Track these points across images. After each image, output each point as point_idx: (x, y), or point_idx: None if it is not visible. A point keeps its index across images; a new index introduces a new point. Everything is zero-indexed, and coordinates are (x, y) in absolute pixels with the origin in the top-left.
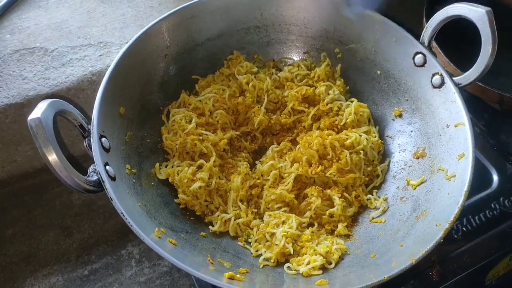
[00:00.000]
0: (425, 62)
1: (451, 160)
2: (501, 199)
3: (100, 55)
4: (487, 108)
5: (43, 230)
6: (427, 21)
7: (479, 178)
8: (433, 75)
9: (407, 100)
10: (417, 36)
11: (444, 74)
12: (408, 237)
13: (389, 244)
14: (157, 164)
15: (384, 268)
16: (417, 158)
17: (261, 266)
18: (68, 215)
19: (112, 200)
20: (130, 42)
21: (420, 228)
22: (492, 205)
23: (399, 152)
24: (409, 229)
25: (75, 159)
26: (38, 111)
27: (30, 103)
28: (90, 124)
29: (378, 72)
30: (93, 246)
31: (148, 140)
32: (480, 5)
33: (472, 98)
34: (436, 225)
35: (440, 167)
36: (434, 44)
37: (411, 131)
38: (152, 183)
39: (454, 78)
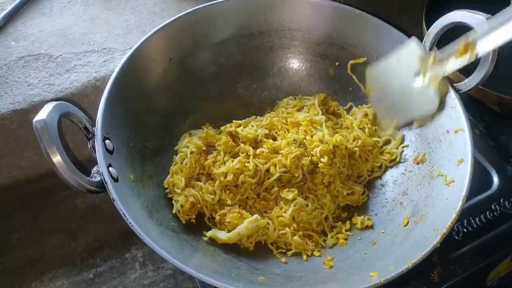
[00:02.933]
0: None
1: (451, 165)
2: (502, 200)
3: (104, 61)
4: (487, 110)
5: (48, 234)
6: (426, 25)
7: (480, 180)
8: None
9: None
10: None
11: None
12: (406, 242)
13: (387, 248)
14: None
15: (382, 271)
16: (417, 163)
17: None
18: (73, 219)
19: (114, 200)
20: (136, 46)
21: (418, 233)
22: (493, 207)
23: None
24: (407, 234)
25: (81, 163)
26: (43, 113)
27: (35, 109)
28: (95, 127)
29: None
30: (98, 249)
31: (152, 143)
32: (480, 12)
33: (472, 100)
34: (434, 230)
35: (439, 172)
36: (435, 50)
37: (412, 137)
38: (155, 185)
39: (455, 84)
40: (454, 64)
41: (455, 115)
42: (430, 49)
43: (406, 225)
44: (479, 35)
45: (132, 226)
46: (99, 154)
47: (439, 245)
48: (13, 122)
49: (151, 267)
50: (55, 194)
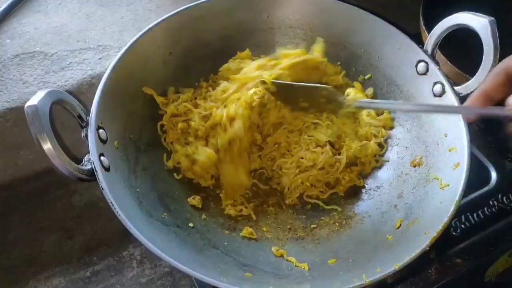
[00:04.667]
0: (427, 70)
1: (447, 169)
2: (500, 196)
3: (99, 58)
4: None
5: (45, 232)
6: (424, 21)
7: (478, 176)
8: (435, 83)
9: None
10: (413, 35)
11: (445, 83)
12: (397, 244)
13: (377, 250)
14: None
15: (369, 272)
16: (414, 166)
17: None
18: (70, 218)
19: (103, 189)
20: (136, 37)
21: (409, 235)
22: (491, 202)
23: (397, 160)
24: (399, 237)
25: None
26: (35, 99)
27: None
28: (89, 115)
29: (381, 78)
30: (95, 247)
31: (147, 135)
32: (483, 15)
33: None
34: (425, 233)
35: (435, 176)
36: (438, 52)
37: (410, 139)
38: (148, 177)
39: (455, 88)
40: None
41: (454, 119)
42: (432, 51)
43: (398, 228)
44: None
45: (120, 216)
46: (91, 142)
47: (428, 248)
48: (9, 120)
49: (148, 265)
50: (52, 192)
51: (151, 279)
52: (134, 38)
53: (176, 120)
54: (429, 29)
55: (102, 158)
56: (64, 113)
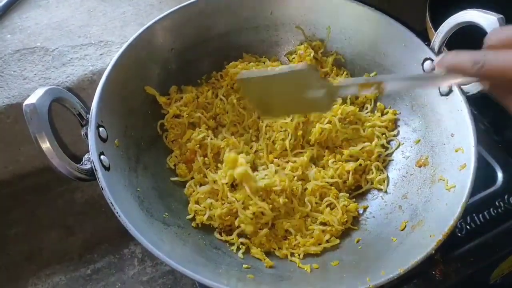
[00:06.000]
0: (434, 69)
1: (453, 170)
2: (506, 196)
3: (100, 54)
4: (492, 104)
5: (46, 229)
6: (431, 19)
7: (484, 176)
8: None
9: (414, 106)
10: (419, 32)
11: None
12: (401, 246)
13: (382, 252)
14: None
15: (373, 275)
16: (419, 166)
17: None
18: (71, 215)
19: (102, 189)
20: (137, 33)
21: (414, 238)
22: (497, 203)
23: (402, 160)
24: (403, 239)
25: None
26: (33, 97)
27: None
28: (89, 113)
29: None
30: (96, 245)
31: (148, 133)
32: (491, 12)
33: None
34: (430, 236)
35: (441, 177)
36: (445, 49)
37: (416, 139)
38: (149, 176)
39: (463, 87)
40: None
41: (461, 119)
42: (439, 49)
43: (403, 230)
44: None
45: (119, 216)
46: (91, 140)
47: (433, 251)
48: (9, 116)
49: (150, 263)
50: (53, 189)
51: (152, 277)
52: (136, 34)
53: (177, 122)
54: (435, 26)
55: (102, 157)
56: (64, 109)
